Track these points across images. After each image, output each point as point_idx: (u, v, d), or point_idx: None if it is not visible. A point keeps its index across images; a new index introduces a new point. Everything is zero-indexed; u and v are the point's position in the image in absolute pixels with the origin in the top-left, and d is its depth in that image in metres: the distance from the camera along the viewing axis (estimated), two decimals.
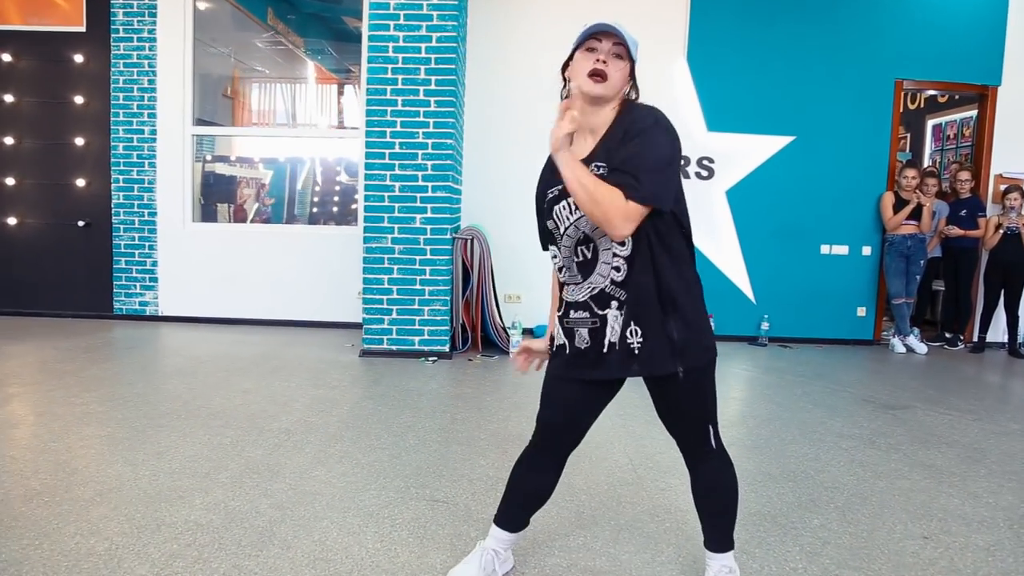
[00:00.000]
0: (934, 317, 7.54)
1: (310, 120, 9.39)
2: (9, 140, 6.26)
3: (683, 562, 2.30)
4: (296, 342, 5.68)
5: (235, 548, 2.25)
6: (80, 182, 6.28)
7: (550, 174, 1.86)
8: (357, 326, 6.13)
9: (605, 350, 1.82)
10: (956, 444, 3.69)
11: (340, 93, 9.32)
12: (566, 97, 1.84)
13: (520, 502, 2.08)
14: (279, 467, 2.96)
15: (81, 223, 6.29)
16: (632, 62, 1.80)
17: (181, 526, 2.39)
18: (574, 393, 1.93)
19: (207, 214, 6.64)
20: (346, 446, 3.26)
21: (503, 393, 4.31)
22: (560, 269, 1.91)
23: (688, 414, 1.94)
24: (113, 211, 6.28)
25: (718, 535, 2.06)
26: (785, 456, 3.40)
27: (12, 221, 6.33)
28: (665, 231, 1.78)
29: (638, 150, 1.68)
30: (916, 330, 6.52)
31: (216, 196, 6.80)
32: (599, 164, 1.74)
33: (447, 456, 3.18)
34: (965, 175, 6.58)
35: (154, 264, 6.30)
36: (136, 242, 6.29)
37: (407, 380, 4.57)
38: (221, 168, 6.98)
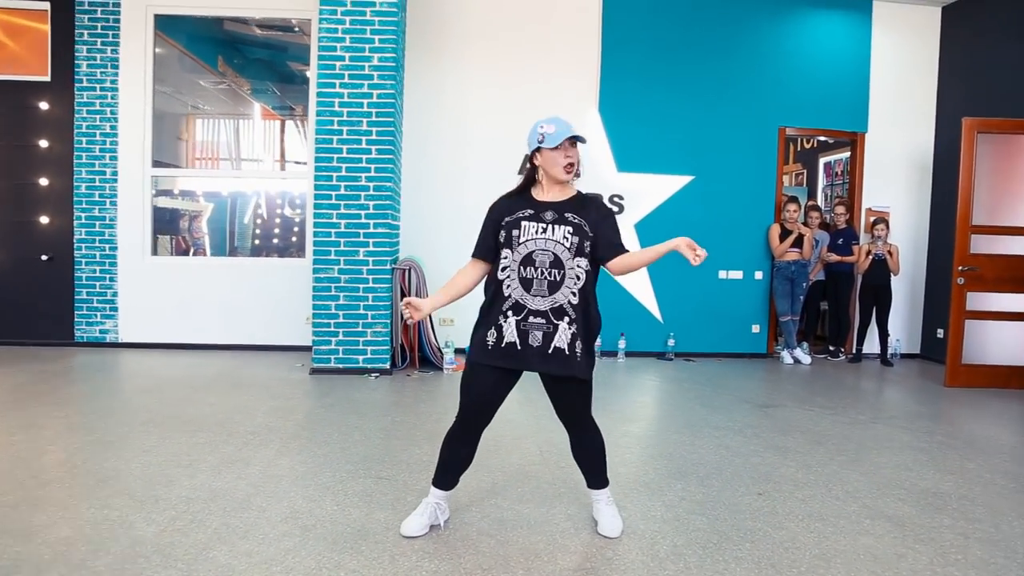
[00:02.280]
0: (824, 332, 8.53)
1: (255, 155, 9.97)
2: None
3: (569, 512, 3.03)
4: (250, 363, 6.25)
5: (221, 513, 2.88)
6: (44, 219, 6.76)
7: (517, 202, 2.66)
8: (304, 348, 6.74)
9: (551, 351, 2.57)
10: (808, 432, 4.52)
11: (283, 130, 9.94)
12: (528, 168, 2.73)
13: (450, 467, 2.82)
14: (249, 459, 3.59)
15: (44, 257, 6.76)
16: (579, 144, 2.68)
17: (175, 499, 3.01)
18: (492, 381, 2.66)
19: (154, 246, 7.10)
20: (303, 442, 3.91)
21: (438, 401, 5.00)
22: (523, 281, 2.57)
23: (583, 405, 2.75)
24: (75, 245, 6.76)
25: (598, 477, 2.88)
26: (666, 443, 4.17)
27: None
28: (595, 274, 2.66)
29: (614, 230, 2.65)
30: (805, 344, 7.47)
31: (158, 228, 7.24)
32: (574, 215, 2.59)
33: (388, 447, 3.86)
34: (841, 209, 7.61)
35: (114, 294, 6.80)
36: (97, 274, 6.78)
37: (353, 392, 5.22)
38: (163, 201, 7.49)
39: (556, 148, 2.60)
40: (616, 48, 7.09)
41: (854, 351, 7.57)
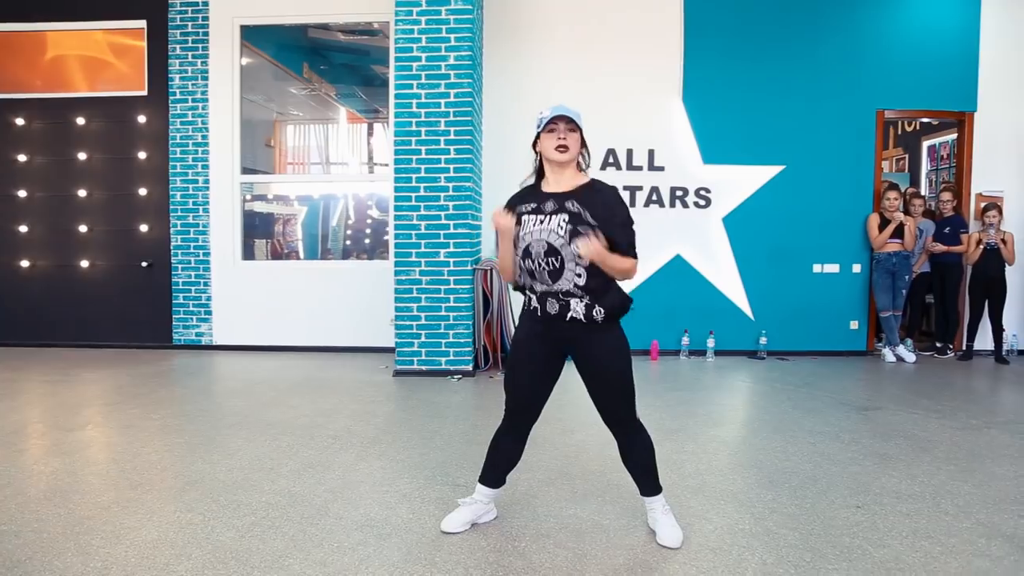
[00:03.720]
0: (929, 328, 8.00)
1: (341, 158, 10.18)
2: (82, 192, 7.10)
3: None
4: (335, 365, 6.36)
5: (299, 519, 2.90)
6: (143, 227, 7.09)
7: (525, 196, 2.68)
8: (389, 350, 6.80)
9: (568, 320, 2.57)
10: (912, 437, 4.21)
11: (370, 133, 10.10)
12: (539, 172, 2.71)
13: (497, 464, 2.83)
14: (329, 463, 3.61)
15: (144, 263, 7.09)
16: (581, 131, 2.59)
17: (256, 505, 3.04)
18: (533, 370, 2.68)
19: (246, 251, 7.35)
20: (383, 447, 3.91)
21: None
22: (527, 272, 2.59)
23: (623, 397, 2.69)
24: (172, 252, 7.07)
25: (649, 483, 2.77)
26: (756, 449, 3.97)
27: (85, 264, 7.15)
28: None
29: (624, 226, 2.55)
30: (908, 340, 7.02)
31: (254, 233, 7.54)
32: (575, 203, 2.52)
33: (468, 453, 3.81)
34: (947, 195, 7.10)
35: (208, 299, 7.07)
36: (192, 279, 7.06)
37: (435, 395, 5.22)
38: (258, 206, 7.74)
39: (548, 131, 2.56)
40: (700, 34, 6.84)
41: (964, 347, 7.06)
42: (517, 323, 2.75)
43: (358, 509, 3.01)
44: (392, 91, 6.04)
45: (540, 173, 2.69)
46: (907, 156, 10.10)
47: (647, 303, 6.88)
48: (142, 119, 7.03)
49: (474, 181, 6.06)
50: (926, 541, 2.76)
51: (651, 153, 6.89)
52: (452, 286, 5.79)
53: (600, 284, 2.54)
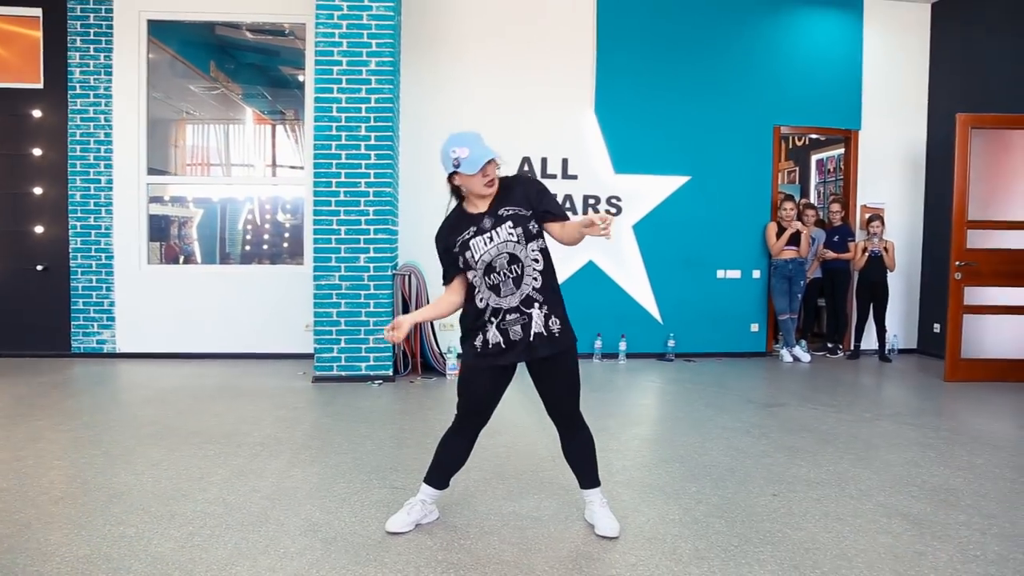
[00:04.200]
0: (822, 330, 8.57)
1: (246, 160, 9.91)
2: None
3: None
4: (251, 372, 6.21)
5: (239, 527, 2.86)
6: (38, 229, 6.69)
7: (456, 226, 2.73)
8: (304, 356, 6.71)
9: (532, 339, 2.67)
10: (815, 431, 4.54)
11: (274, 134, 9.88)
12: (456, 195, 2.80)
13: (445, 466, 2.90)
14: (261, 470, 3.56)
15: (39, 267, 6.69)
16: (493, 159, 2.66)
17: (191, 515, 2.98)
18: (487, 380, 2.76)
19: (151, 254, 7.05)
20: (314, 453, 3.88)
21: (444, 408, 4.98)
22: (491, 288, 2.66)
23: (571, 394, 2.82)
24: (71, 255, 6.70)
25: (590, 476, 2.91)
26: (676, 444, 4.18)
27: None
28: (545, 251, 2.73)
29: (552, 196, 2.75)
30: (803, 341, 7.50)
31: (149, 235, 7.19)
32: (507, 208, 2.65)
33: (400, 456, 3.84)
34: (836, 206, 7.65)
35: (111, 304, 6.74)
36: (94, 284, 6.72)
37: (358, 400, 5.20)
38: (153, 208, 7.41)
39: (480, 173, 2.61)
40: (611, 49, 7.10)
41: (852, 347, 7.61)
42: (466, 355, 2.80)
43: (298, 515, 2.99)
44: (311, 94, 5.99)
45: (458, 195, 2.79)
46: (797, 168, 10.78)
47: None
48: (37, 113, 6.64)
49: (393, 186, 6.07)
50: (836, 523, 3.02)
51: (565, 162, 7.09)
52: (372, 291, 5.78)
53: (550, 285, 2.71)
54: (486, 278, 2.66)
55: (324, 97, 5.67)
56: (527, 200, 2.67)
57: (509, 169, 6.96)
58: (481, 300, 2.70)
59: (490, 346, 2.70)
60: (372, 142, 5.69)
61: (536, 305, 2.66)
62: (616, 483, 3.47)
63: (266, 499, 3.17)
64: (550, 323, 2.68)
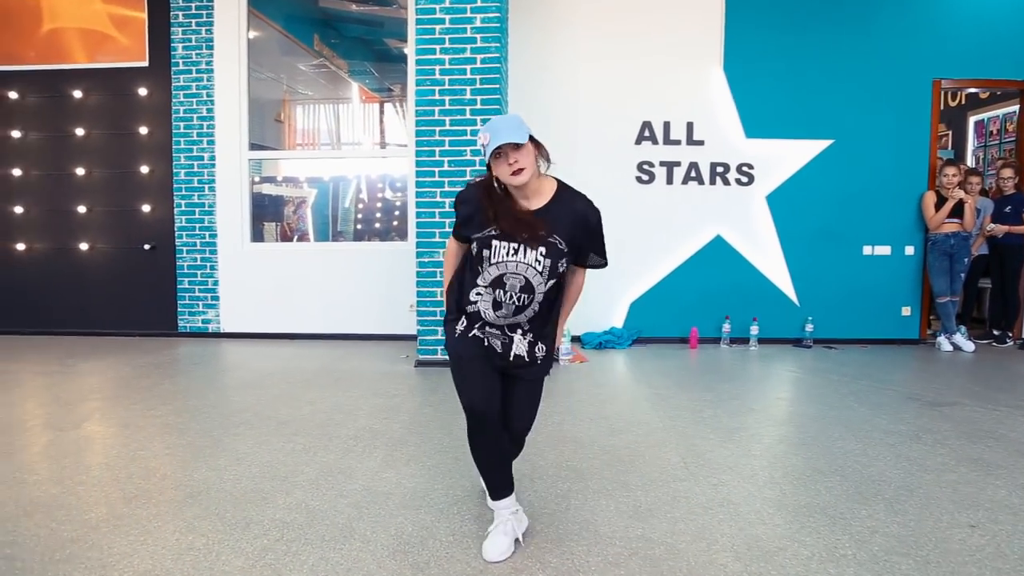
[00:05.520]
0: (981, 315, 7.50)
1: (354, 139, 9.71)
2: (81, 171, 6.66)
3: (737, 549, 2.43)
4: (352, 355, 5.92)
5: (320, 542, 2.45)
6: (146, 208, 6.65)
7: (486, 214, 2.32)
8: (408, 338, 6.37)
9: (512, 358, 2.40)
10: (1004, 439, 3.74)
11: (382, 111, 9.62)
12: (496, 182, 2.34)
13: (494, 468, 2.43)
14: (351, 470, 3.17)
15: (147, 246, 6.65)
16: (530, 140, 2.28)
17: (268, 524, 2.60)
18: (486, 371, 2.39)
19: (255, 233, 6.93)
20: (411, 450, 3.46)
21: (555, 399, 4.46)
22: (492, 299, 2.35)
23: (530, 411, 2.53)
24: (176, 234, 6.63)
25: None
26: (832, 452, 3.50)
27: (84, 246, 6.72)
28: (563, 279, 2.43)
29: (598, 244, 2.45)
30: (963, 328, 6.52)
31: (263, 216, 7.09)
32: (557, 237, 2.30)
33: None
34: (1008, 172, 6.58)
35: (215, 283, 6.63)
36: (198, 263, 6.62)
37: None
38: (268, 188, 7.29)
39: (495, 158, 2.26)
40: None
41: None
42: (451, 339, 2.46)
43: (388, 529, 2.56)
44: (412, 57, 5.56)
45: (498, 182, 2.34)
46: (951, 132, 9.53)
47: (685, 287, 6.45)
48: (143, 92, 6.58)
49: None
50: None
51: (690, 126, 6.39)
52: None
53: (545, 314, 2.43)
54: (492, 289, 2.34)
55: (426, 59, 5.22)
56: (574, 235, 2.35)
57: (627, 136, 6.36)
58: (475, 299, 2.39)
59: (470, 335, 2.41)
60: (479, 106, 5.21)
61: (520, 331, 2.41)
62: (765, 502, 2.85)
63: (353, 507, 2.75)
64: (535, 350, 2.44)
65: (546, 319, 2.45)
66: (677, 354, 6.12)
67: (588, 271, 2.51)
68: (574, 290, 2.52)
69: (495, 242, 2.29)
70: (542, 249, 2.27)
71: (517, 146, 2.22)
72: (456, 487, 2.97)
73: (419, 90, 5.26)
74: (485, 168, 2.34)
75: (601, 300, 6.42)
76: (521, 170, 2.23)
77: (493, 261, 2.29)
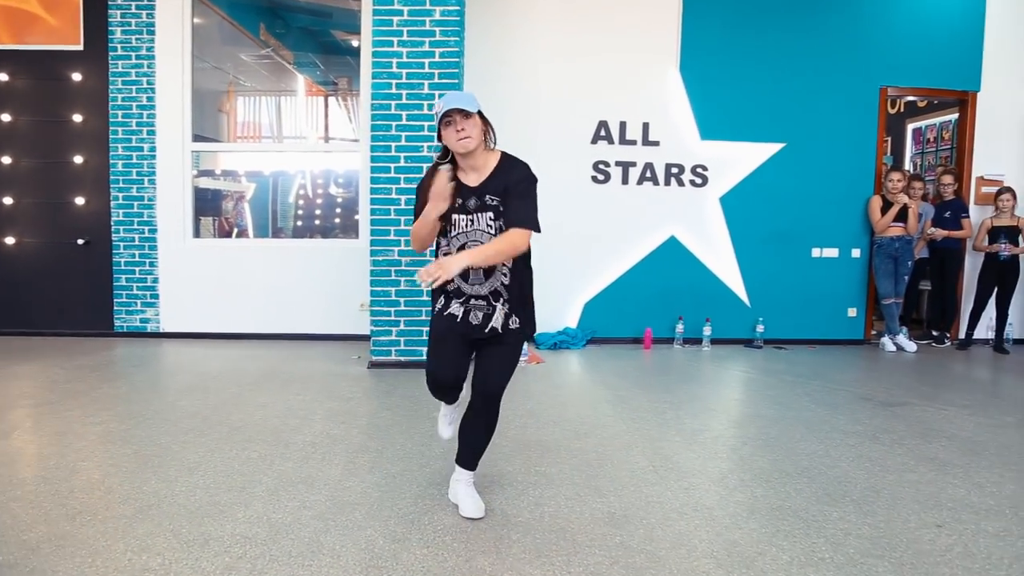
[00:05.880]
0: (920, 316, 7.74)
1: (298, 132, 9.46)
2: (7, 159, 6.25)
3: (717, 555, 2.40)
4: (301, 355, 5.72)
5: (286, 559, 2.31)
6: (79, 200, 6.29)
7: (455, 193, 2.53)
8: (358, 338, 6.20)
9: (488, 330, 2.58)
10: (955, 438, 3.83)
11: (326, 105, 9.40)
12: (443, 159, 2.58)
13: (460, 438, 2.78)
14: (312, 479, 3.02)
15: (80, 241, 6.30)
16: (478, 114, 2.49)
17: (228, 540, 2.44)
18: (457, 346, 2.62)
19: (194, 228, 6.63)
20: (373, 456, 3.33)
21: (516, 402, 4.37)
22: (462, 275, 2.56)
23: (501, 375, 2.63)
24: (113, 228, 6.29)
25: (474, 459, 2.75)
26: (796, 453, 3.51)
27: (10, 240, 6.31)
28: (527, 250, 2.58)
29: (521, 197, 2.52)
30: (904, 329, 6.71)
31: (202, 210, 6.79)
32: (492, 196, 2.51)
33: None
34: (948, 178, 6.79)
35: (155, 281, 6.32)
36: (136, 259, 6.30)
37: (419, 390, 4.62)
38: (205, 182, 7.00)
39: (445, 124, 2.48)
40: (699, 0, 6.34)
41: (961, 336, 6.79)
42: (432, 316, 2.71)
43: (358, 543, 2.43)
44: (368, 49, 5.40)
45: (453, 159, 2.57)
46: (890, 139, 9.81)
47: (640, 287, 6.45)
48: (77, 77, 6.21)
49: None
50: None
51: (645, 127, 6.39)
52: None
53: (519, 281, 2.62)
54: None
55: (383, 51, 5.07)
56: (508, 194, 2.51)
57: (583, 134, 6.33)
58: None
59: (445, 314, 2.63)
60: (437, 101, 5.08)
61: (501, 300, 2.60)
62: (739, 505, 2.83)
63: (318, 519, 2.62)
64: (510, 321, 2.61)
65: (521, 294, 2.63)
66: (631, 354, 6.12)
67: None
68: (502, 240, 2.48)
69: (454, 216, 2.53)
70: (490, 214, 2.52)
71: (467, 116, 2.44)
72: (424, 496, 2.86)
73: (375, 83, 5.11)
74: (437, 140, 2.55)
75: (555, 300, 6.37)
76: (467, 138, 2.44)
77: (454, 233, 2.55)
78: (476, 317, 2.58)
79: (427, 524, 2.59)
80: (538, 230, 2.54)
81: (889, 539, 2.57)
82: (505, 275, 2.58)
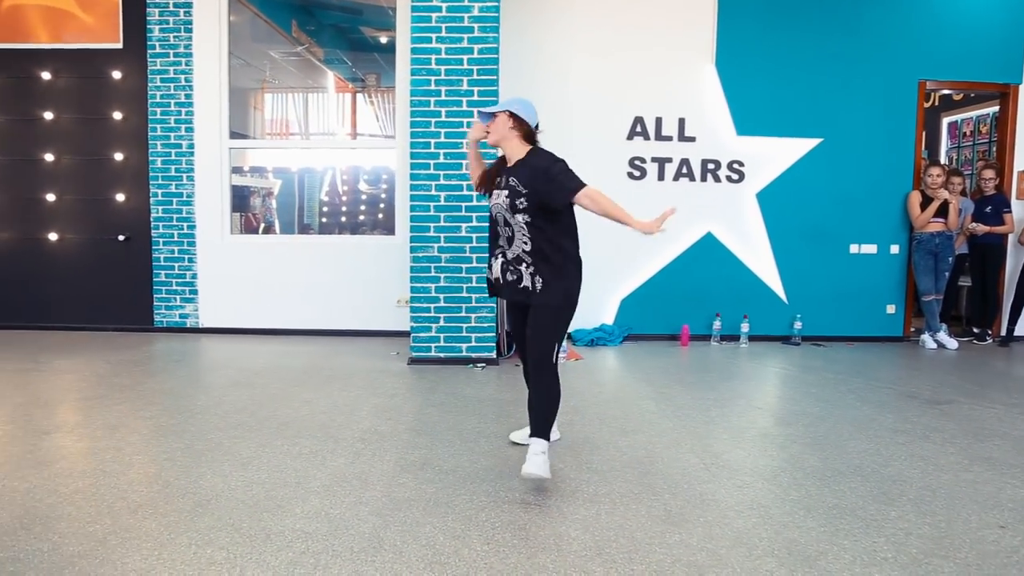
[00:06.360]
0: (959, 313, 7.63)
1: (327, 129, 9.51)
2: (49, 157, 6.34)
3: (778, 554, 2.38)
4: (340, 352, 5.76)
5: (349, 555, 2.32)
6: (119, 197, 6.36)
7: (498, 171, 3.17)
8: (396, 334, 6.23)
9: (520, 287, 3.04)
10: (1008, 437, 3.77)
11: (354, 102, 9.44)
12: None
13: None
14: (366, 475, 3.04)
15: (121, 237, 6.38)
16: (504, 112, 3.07)
17: (289, 535, 2.46)
18: (515, 313, 3.27)
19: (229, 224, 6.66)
20: (423, 453, 3.34)
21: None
22: (495, 238, 3.18)
23: (543, 336, 3.00)
24: (152, 225, 6.36)
25: (542, 428, 2.97)
26: (847, 451, 3.48)
27: (53, 237, 6.41)
28: (548, 220, 2.99)
29: (559, 176, 2.95)
30: (944, 326, 6.61)
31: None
32: (516, 180, 3.00)
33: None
34: (989, 172, 6.67)
35: (194, 276, 6.39)
36: (176, 255, 6.37)
37: (462, 387, 4.65)
38: (233, 179, 7.02)
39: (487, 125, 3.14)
40: None
41: (1003, 333, 6.69)
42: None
43: (418, 539, 2.44)
44: (407, 46, 5.40)
45: None
46: (924, 133, 9.67)
47: (676, 284, 6.41)
48: (117, 75, 6.28)
49: None
50: None
51: (681, 122, 6.34)
52: (475, 264, 5.20)
53: (543, 249, 2.99)
54: (492, 225, 3.19)
55: (422, 48, 5.07)
56: (534, 179, 2.96)
57: (619, 130, 6.30)
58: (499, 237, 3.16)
59: (491, 278, 3.23)
60: (475, 97, 5.08)
61: (524, 265, 3.03)
62: (794, 503, 2.81)
63: (376, 515, 2.63)
64: (535, 281, 3.00)
65: (543, 257, 2.99)
66: (669, 351, 6.09)
67: (605, 220, 3.01)
68: (599, 210, 2.93)
69: (494, 191, 3.14)
70: (505, 192, 3.04)
71: (492, 118, 3.09)
72: (479, 493, 2.87)
73: (414, 80, 5.11)
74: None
75: (592, 297, 6.32)
76: (489, 134, 3.11)
77: (490, 203, 3.16)
78: (511, 275, 3.07)
79: (484, 521, 2.60)
80: (584, 186, 2.92)
81: (952, 539, 2.53)
82: (525, 243, 3.02)
